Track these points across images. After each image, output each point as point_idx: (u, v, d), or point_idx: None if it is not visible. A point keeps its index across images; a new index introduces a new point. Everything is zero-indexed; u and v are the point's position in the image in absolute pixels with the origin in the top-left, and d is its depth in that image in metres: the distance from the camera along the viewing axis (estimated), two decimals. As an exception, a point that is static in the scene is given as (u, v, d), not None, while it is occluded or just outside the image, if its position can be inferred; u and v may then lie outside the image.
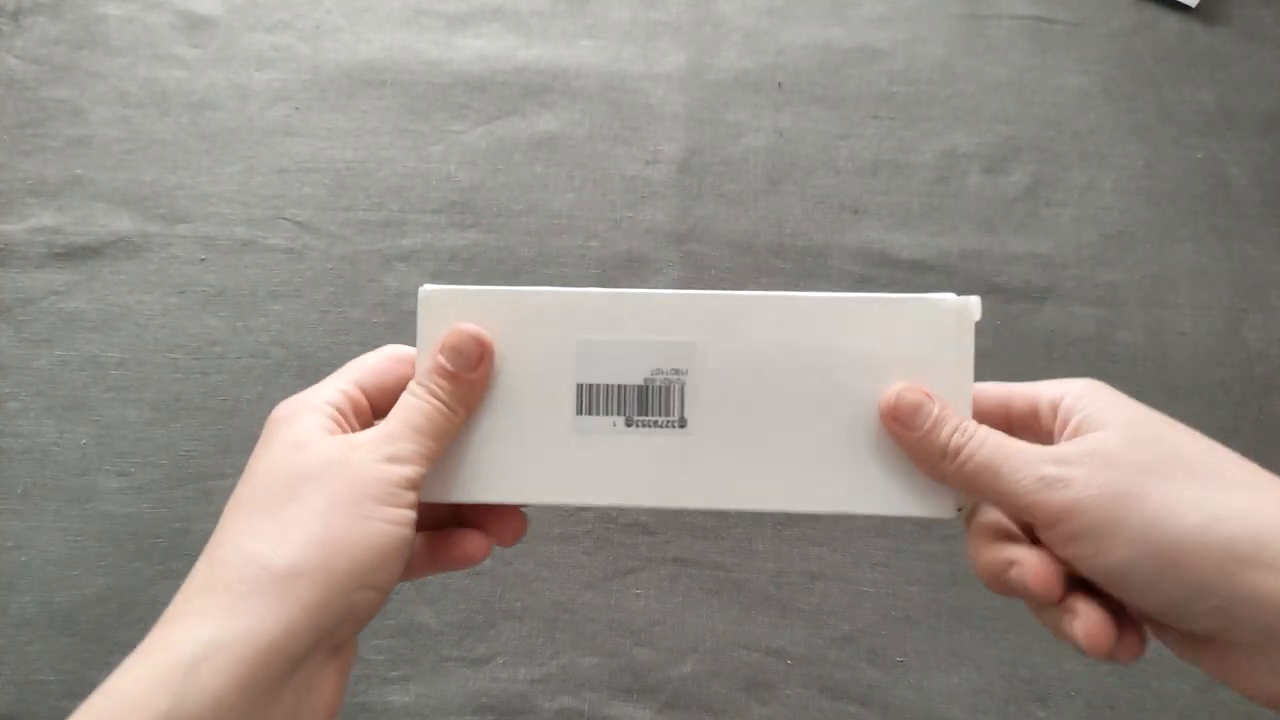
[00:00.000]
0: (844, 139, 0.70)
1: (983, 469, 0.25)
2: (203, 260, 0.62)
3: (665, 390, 0.30)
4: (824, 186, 0.68)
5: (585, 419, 0.30)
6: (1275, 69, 0.75)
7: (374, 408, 0.30)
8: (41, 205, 0.63)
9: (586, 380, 0.30)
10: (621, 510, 0.29)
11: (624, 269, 0.64)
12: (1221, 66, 0.74)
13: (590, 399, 0.30)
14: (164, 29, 0.70)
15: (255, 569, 0.24)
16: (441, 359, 0.29)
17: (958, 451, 0.26)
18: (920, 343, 0.29)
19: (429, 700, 0.52)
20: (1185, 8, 0.77)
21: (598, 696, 0.52)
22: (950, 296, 0.29)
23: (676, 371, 0.30)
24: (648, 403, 0.30)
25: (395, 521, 0.26)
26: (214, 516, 0.59)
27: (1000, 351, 0.63)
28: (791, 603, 0.55)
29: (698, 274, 0.64)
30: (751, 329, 0.30)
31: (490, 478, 0.30)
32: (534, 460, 0.30)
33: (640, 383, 0.30)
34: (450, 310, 0.30)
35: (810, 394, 0.30)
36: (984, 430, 0.26)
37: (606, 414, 0.30)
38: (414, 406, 0.29)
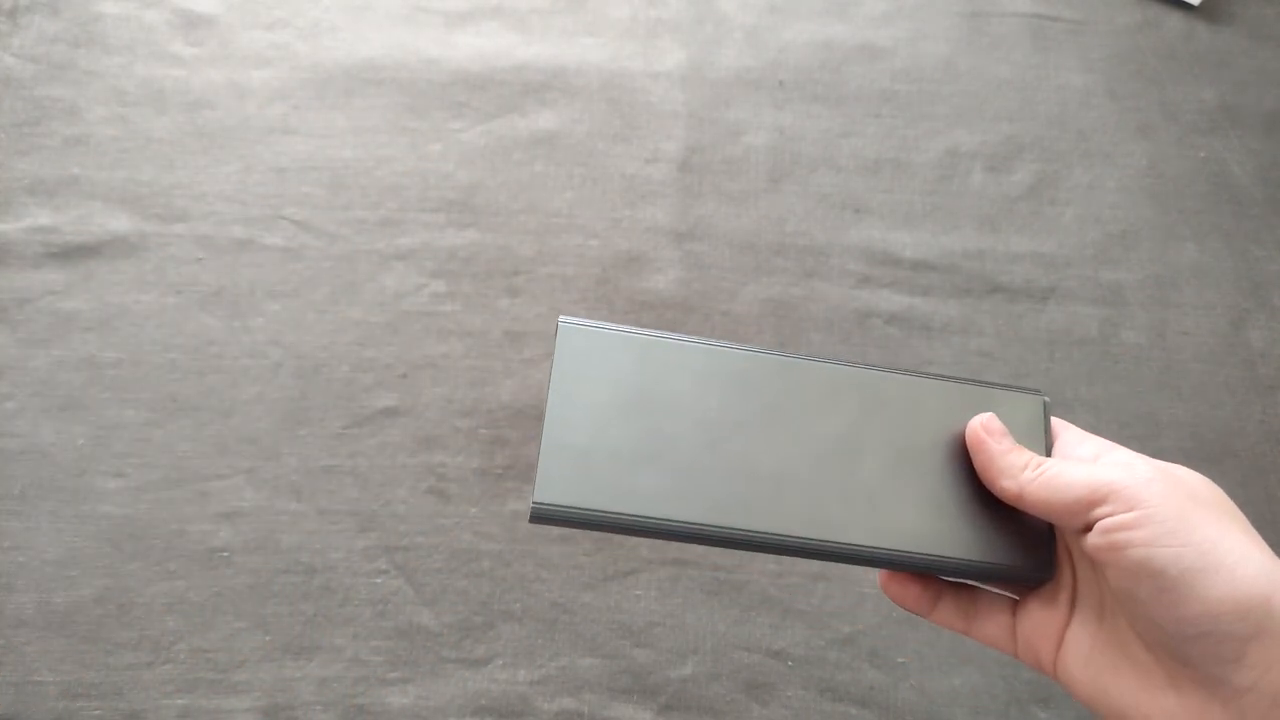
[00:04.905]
0: (846, 137, 0.70)
1: (1064, 471, 0.28)
2: (200, 260, 0.62)
3: None
4: (826, 185, 0.68)
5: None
6: (1278, 67, 0.74)
7: None
8: (38, 204, 0.63)
9: None
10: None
11: (624, 268, 0.63)
12: (1224, 65, 0.74)
13: None
14: (161, 27, 0.69)
15: None
16: None
17: (1040, 462, 0.30)
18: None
19: (427, 702, 0.51)
20: (1188, 6, 0.76)
21: (597, 698, 0.52)
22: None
23: None
24: None
25: None
26: (211, 517, 0.59)
27: (1003, 351, 0.63)
28: (792, 604, 0.55)
29: (698, 273, 0.63)
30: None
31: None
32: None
33: None
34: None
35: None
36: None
37: None
38: None
